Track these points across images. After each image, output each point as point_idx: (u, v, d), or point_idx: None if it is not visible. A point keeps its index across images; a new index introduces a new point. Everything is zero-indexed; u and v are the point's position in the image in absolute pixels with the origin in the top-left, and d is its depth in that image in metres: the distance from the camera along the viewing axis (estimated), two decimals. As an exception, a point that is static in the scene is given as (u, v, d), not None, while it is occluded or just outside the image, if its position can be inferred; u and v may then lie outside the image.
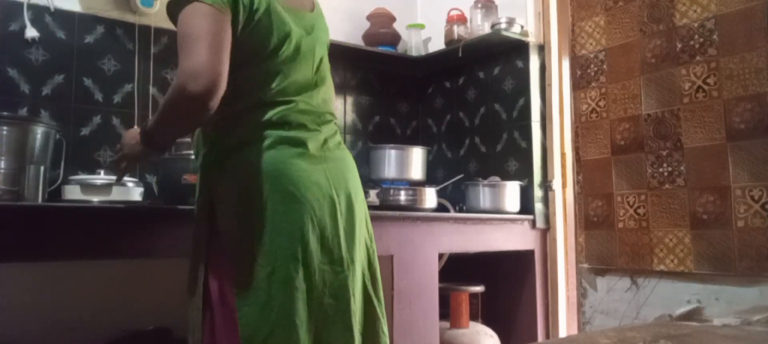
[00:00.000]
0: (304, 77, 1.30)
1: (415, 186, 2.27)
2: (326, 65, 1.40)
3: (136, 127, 1.34)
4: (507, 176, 2.46)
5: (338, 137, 1.38)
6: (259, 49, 1.22)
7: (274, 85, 1.24)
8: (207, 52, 1.10)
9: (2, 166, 1.62)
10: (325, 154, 1.29)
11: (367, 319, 1.32)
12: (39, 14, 2.00)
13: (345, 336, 1.24)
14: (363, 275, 1.33)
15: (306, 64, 1.31)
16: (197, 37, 1.11)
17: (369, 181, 2.32)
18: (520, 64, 2.50)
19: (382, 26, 2.72)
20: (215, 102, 1.11)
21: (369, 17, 2.77)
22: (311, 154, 1.25)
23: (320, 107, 1.32)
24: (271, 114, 1.23)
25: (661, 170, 2.13)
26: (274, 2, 1.24)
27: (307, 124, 1.27)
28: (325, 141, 1.31)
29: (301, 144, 1.24)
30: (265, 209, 1.18)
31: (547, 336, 2.37)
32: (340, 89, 2.74)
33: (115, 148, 1.41)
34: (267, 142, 1.21)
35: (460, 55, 2.53)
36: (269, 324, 1.15)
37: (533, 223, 2.40)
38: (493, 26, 2.46)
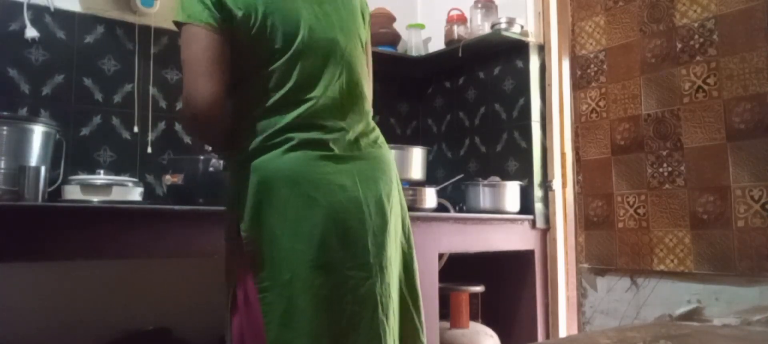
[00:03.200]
0: (323, 70, 1.22)
1: (415, 186, 2.27)
2: (356, 53, 1.29)
3: None
4: (507, 176, 2.46)
5: (375, 134, 1.30)
6: (267, 51, 1.19)
7: (289, 84, 1.19)
8: (196, 78, 1.13)
9: (2, 166, 1.62)
10: (355, 153, 1.23)
11: (404, 329, 1.26)
12: (39, 14, 2.00)
13: (370, 341, 1.18)
14: (400, 281, 1.27)
15: (323, 54, 1.23)
16: (190, 63, 1.14)
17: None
18: (520, 64, 2.50)
19: (382, 26, 2.72)
20: (213, 119, 1.14)
21: (369, 17, 2.77)
22: (336, 154, 1.20)
23: (347, 101, 1.24)
24: (290, 115, 1.18)
25: (661, 170, 2.13)
26: (279, 6, 1.19)
27: (330, 122, 1.21)
28: (356, 139, 1.24)
29: (323, 145, 1.19)
30: (285, 214, 1.15)
31: (547, 336, 2.37)
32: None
33: None
34: (288, 146, 1.17)
35: (460, 55, 2.53)
36: (291, 330, 1.12)
37: (533, 223, 2.40)
38: (493, 26, 2.46)
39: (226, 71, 1.17)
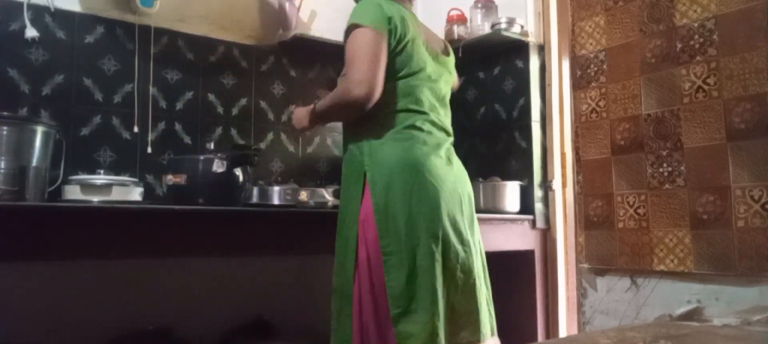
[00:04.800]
0: (434, 100, 1.60)
1: (415, 186, 2.26)
2: (448, 97, 1.70)
3: (309, 107, 1.68)
4: (507, 176, 2.46)
5: (453, 152, 1.66)
6: (405, 68, 1.53)
7: (413, 97, 1.54)
8: (368, 67, 1.45)
9: (2, 166, 1.62)
10: (451, 158, 1.61)
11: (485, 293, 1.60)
12: (39, 14, 2.00)
13: (470, 304, 1.51)
14: (481, 258, 1.62)
15: (435, 90, 1.61)
16: (362, 55, 1.46)
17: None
18: (520, 64, 2.50)
19: (382, 26, 2.72)
20: (370, 105, 1.47)
21: (369, 17, 2.77)
22: (442, 155, 1.55)
23: (444, 125, 1.63)
24: (411, 119, 1.52)
25: (661, 170, 2.13)
26: (418, 38, 1.58)
27: (438, 133, 1.58)
28: (449, 150, 1.62)
29: (436, 146, 1.55)
30: (411, 194, 1.44)
31: (547, 336, 2.37)
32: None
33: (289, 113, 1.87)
34: (411, 142, 1.50)
35: (460, 55, 2.52)
36: (414, 286, 1.40)
37: (533, 223, 2.39)
38: (493, 26, 2.46)
39: (384, 71, 1.51)
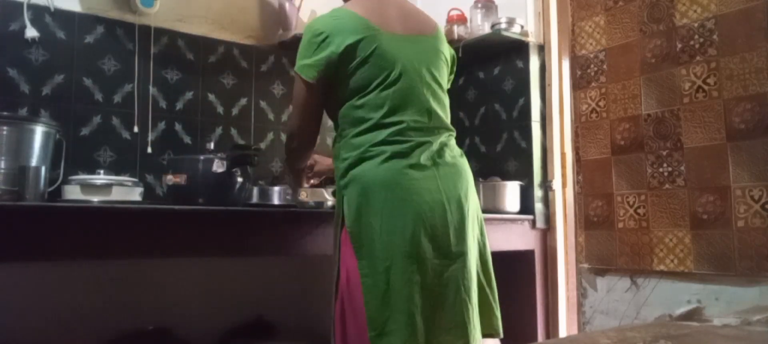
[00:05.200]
0: (412, 99, 1.49)
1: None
2: (439, 83, 1.58)
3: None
4: (507, 176, 2.46)
5: (454, 149, 1.56)
6: (366, 85, 1.46)
7: (383, 110, 1.45)
8: (297, 118, 1.52)
9: (2, 166, 1.62)
10: (437, 161, 1.48)
11: (481, 307, 1.52)
12: (39, 14, 2.00)
13: (455, 320, 1.43)
14: (477, 266, 1.53)
15: (413, 87, 1.50)
16: (295, 104, 1.52)
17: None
18: (520, 64, 2.50)
19: (382, 26, 2.72)
20: (305, 150, 1.59)
21: (369, 17, 2.77)
22: (421, 164, 1.45)
23: (432, 122, 1.51)
24: (384, 133, 1.44)
25: (661, 170, 2.13)
26: (382, 42, 1.46)
27: (417, 138, 1.46)
28: (439, 151, 1.50)
29: (411, 156, 1.44)
30: (382, 213, 1.39)
31: (547, 336, 2.37)
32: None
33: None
34: (382, 158, 1.42)
35: (459, 55, 2.52)
36: (389, 308, 1.36)
37: (533, 223, 2.39)
38: (493, 26, 2.46)
39: (316, 118, 1.57)
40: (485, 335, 1.54)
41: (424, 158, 1.46)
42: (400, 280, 1.37)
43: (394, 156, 1.43)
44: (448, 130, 1.57)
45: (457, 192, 1.49)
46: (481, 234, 1.60)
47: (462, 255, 1.46)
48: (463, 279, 1.45)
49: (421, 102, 1.50)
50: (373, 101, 1.46)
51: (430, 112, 1.51)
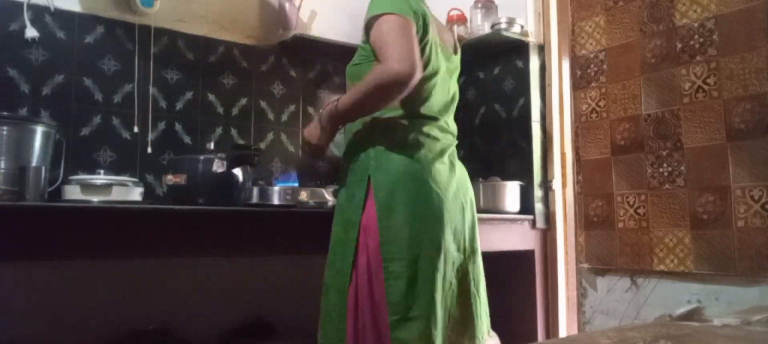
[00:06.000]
0: (445, 102, 1.58)
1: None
2: (456, 97, 1.67)
3: (324, 111, 1.53)
4: (507, 176, 2.46)
5: (456, 155, 1.64)
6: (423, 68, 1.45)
7: (426, 102, 1.50)
8: (405, 45, 1.37)
9: (2, 166, 1.62)
10: (454, 164, 1.59)
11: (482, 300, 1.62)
12: (39, 14, 2.00)
13: (465, 310, 1.53)
14: (480, 262, 1.64)
15: (446, 93, 1.59)
16: (395, 36, 1.37)
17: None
18: (520, 64, 2.50)
19: (382, 26, 2.72)
20: (414, 83, 1.36)
21: (369, 17, 2.77)
22: (447, 162, 1.54)
23: (452, 128, 1.61)
24: (421, 125, 1.49)
25: (661, 170, 2.13)
26: (436, 40, 1.54)
27: (444, 139, 1.55)
28: (452, 154, 1.60)
29: (441, 152, 1.52)
30: (415, 202, 1.43)
31: (547, 336, 2.37)
32: (341, 89, 2.74)
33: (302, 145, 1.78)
34: (416, 149, 1.48)
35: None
36: (414, 295, 1.40)
37: (533, 223, 2.39)
38: (493, 26, 2.46)
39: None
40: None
41: (447, 158, 1.56)
42: (427, 269, 1.42)
43: (427, 149, 1.49)
44: (455, 139, 1.66)
45: (469, 195, 1.62)
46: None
47: (474, 252, 1.60)
48: (474, 273, 1.58)
49: (448, 107, 1.60)
50: (419, 91, 1.46)
51: (451, 119, 1.62)
